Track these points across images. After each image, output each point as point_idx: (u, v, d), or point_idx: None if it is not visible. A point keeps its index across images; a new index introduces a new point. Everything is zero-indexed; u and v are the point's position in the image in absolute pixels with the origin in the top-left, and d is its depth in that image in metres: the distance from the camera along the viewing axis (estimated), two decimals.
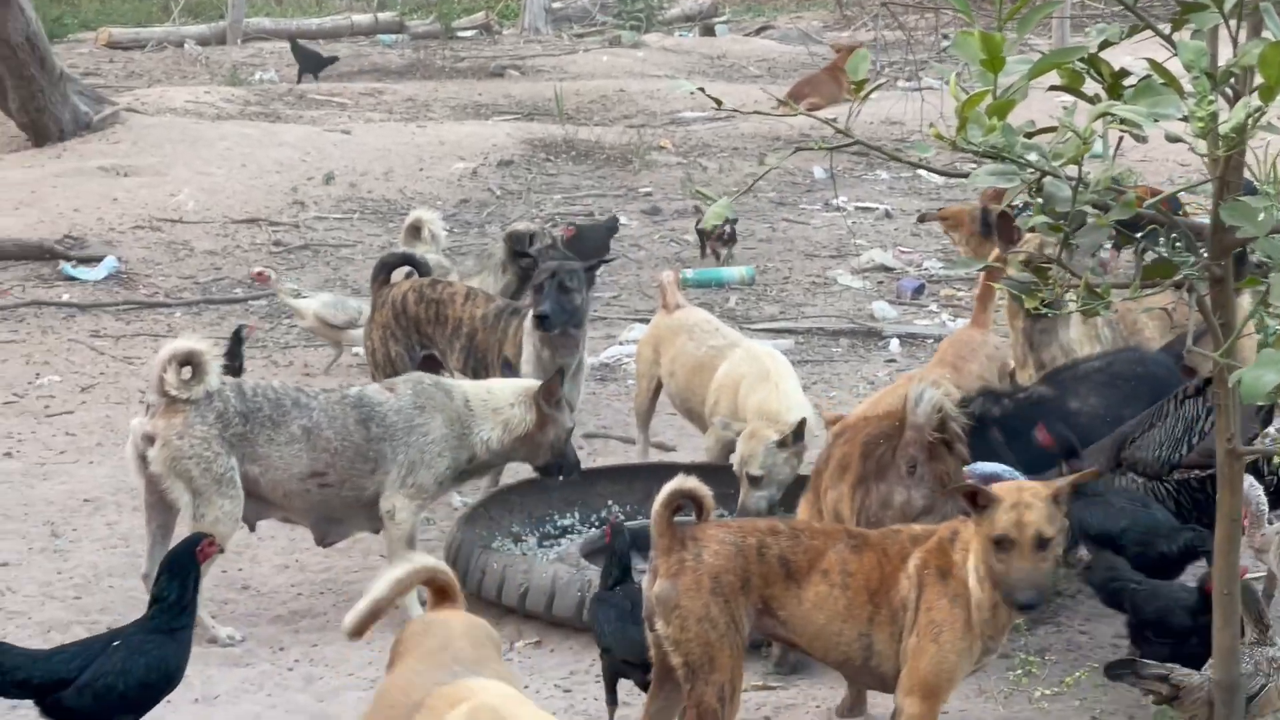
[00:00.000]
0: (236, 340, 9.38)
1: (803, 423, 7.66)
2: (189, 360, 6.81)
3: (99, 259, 12.79)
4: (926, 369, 8.22)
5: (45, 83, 15.60)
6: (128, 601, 6.99)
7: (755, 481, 7.53)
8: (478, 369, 8.51)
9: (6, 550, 7.75)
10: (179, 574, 5.79)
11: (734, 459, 7.65)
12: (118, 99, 17.67)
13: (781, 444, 7.56)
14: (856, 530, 5.55)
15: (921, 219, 13.09)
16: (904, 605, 5.22)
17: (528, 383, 7.46)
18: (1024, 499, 5.07)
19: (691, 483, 5.42)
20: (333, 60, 22.00)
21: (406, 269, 9.20)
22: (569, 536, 7.90)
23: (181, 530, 6.77)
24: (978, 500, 5.11)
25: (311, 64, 21.63)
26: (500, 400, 7.26)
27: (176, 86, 20.41)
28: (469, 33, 27.34)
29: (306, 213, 14.55)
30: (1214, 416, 5.56)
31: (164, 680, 5.66)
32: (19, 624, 6.91)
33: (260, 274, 11.10)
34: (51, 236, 13.15)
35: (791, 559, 5.32)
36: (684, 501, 5.42)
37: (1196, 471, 6.44)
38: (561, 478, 7.48)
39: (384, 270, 8.93)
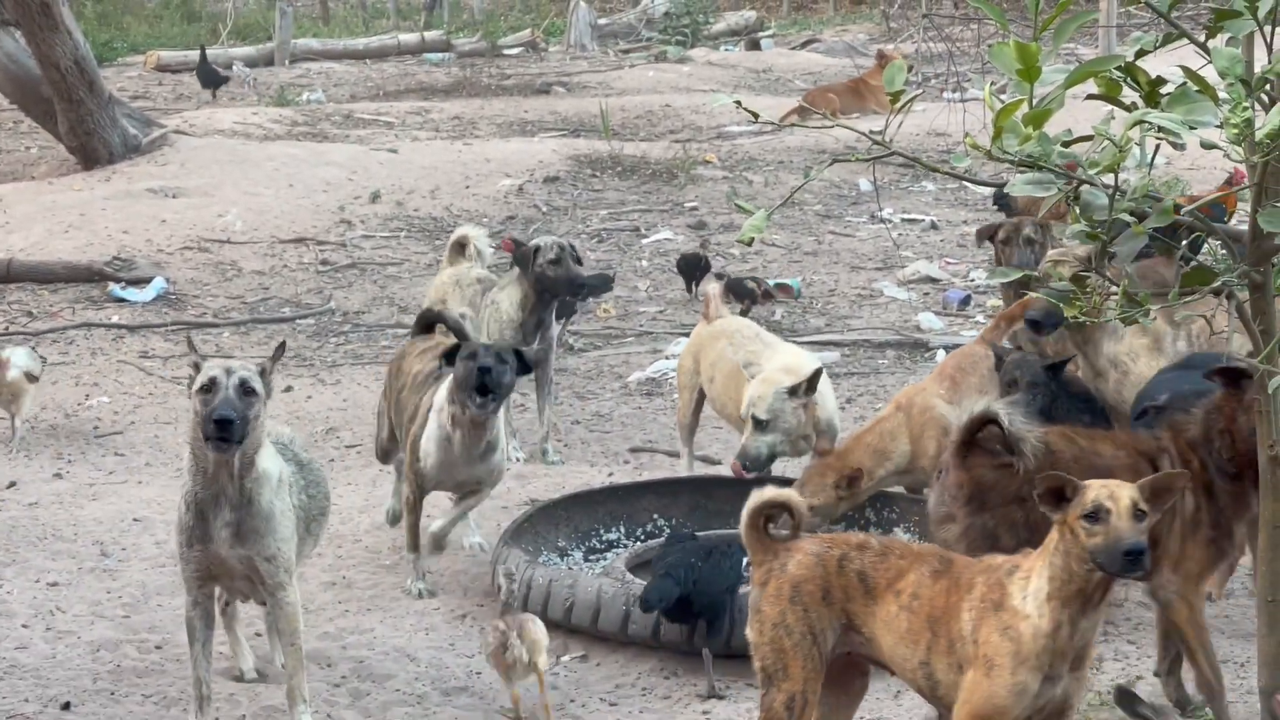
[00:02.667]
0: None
1: (817, 373, 7.92)
2: None
3: (147, 280, 12.89)
4: (926, 382, 8.24)
5: (94, 106, 15.72)
6: (176, 620, 7.01)
7: (760, 425, 7.79)
8: (393, 429, 8.11)
9: (56, 570, 7.81)
10: None
11: (743, 404, 7.78)
12: (166, 121, 17.79)
13: (793, 391, 7.81)
14: (949, 555, 5.37)
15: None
16: (960, 637, 5.09)
17: None
18: (1113, 484, 4.99)
19: (781, 493, 5.41)
20: (225, 80, 21.94)
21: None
22: (614, 550, 7.92)
23: None
24: (1065, 493, 5.00)
25: (210, 80, 21.65)
26: None
27: (224, 108, 20.56)
28: (515, 50, 27.44)
29: (354, 232, 14.63)
30: None
31: None
32: (69, 643, 6.96)
33: None
34: (100, 259, 13.26)
35: (871, 575, 5.22)
36: (775, 512, 5.39)
37: None
38: None
39: (420, 325, 8.52)
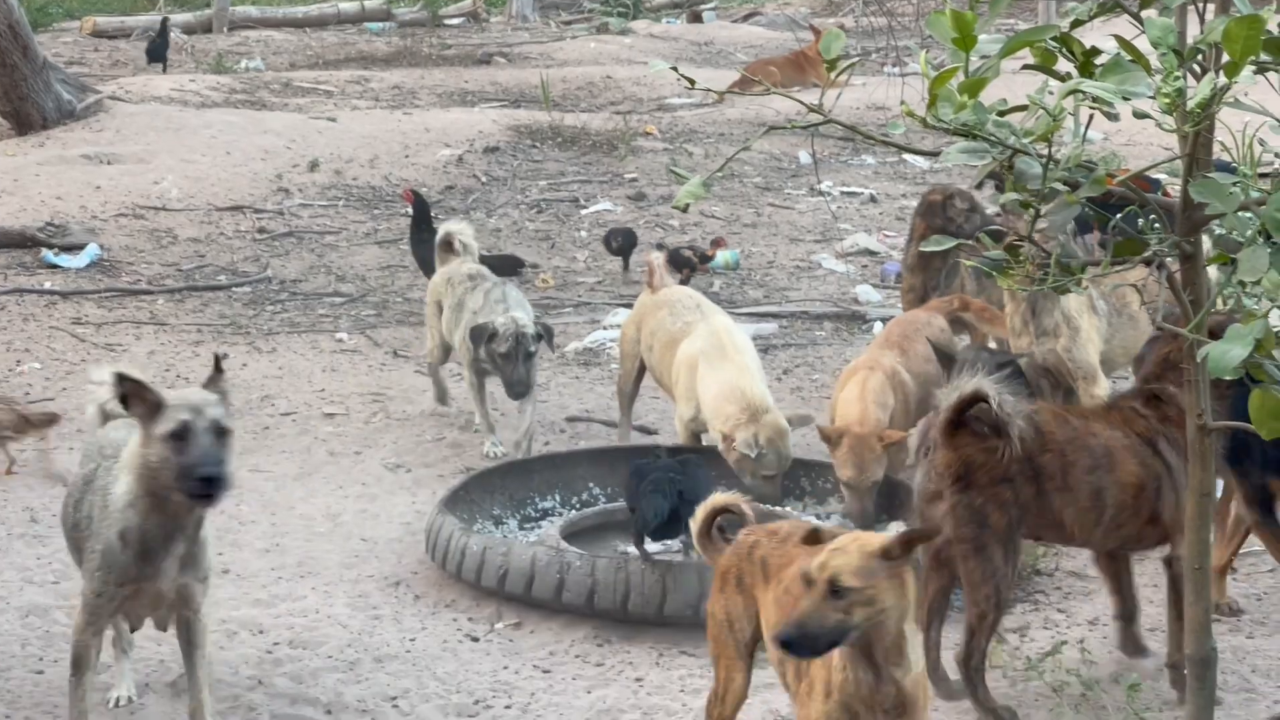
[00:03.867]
0: None
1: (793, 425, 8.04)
2: None
3: (81, 246, 12.78)
4: (871, 349, 8.29)
5: (28, 71, 15.57)
6: None
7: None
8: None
9: None
10: None
11: (763, 465, 7.81)
12: (102, 87, 17.64)
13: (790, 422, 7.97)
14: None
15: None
16: None
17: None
18: (843, 544, 4.49)
19: (722, 499, 5.36)
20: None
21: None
22: (549, 519, 7.92)
23: None
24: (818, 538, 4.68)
25: (155, 55, 21.27)
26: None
27: (161, 75, 20.39)
28: (456, 20, 27.35)
29: (291, 200, 14.54)
30: None
31: None
32: None
33: None
34: (34, 224, 13.13)
35: (770, 561, 5.09)
36: (726, 518, 5.35)
37: None
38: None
39: None
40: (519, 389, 8.74)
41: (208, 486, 5.11)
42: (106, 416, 5.85)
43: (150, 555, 5.33)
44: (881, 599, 4.43)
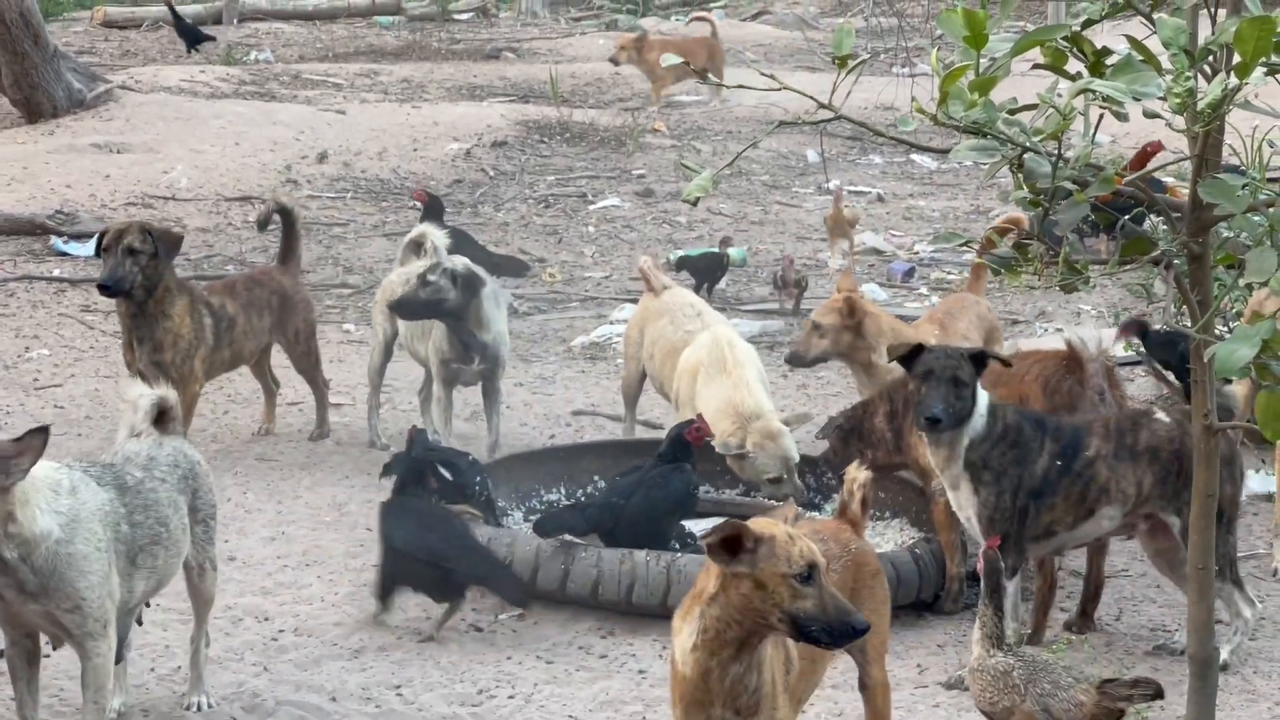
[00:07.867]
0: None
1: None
2: None
3: (90, 234, 12.79)
4: (918, 325, 8.34)
5: (39, 59, 15.62)
6: None
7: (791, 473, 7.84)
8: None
9: None
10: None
11: (761, 468, 7.76)
12: (112, 77, 17.68)
13: (787, 424, 7.92)
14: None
15: None
16: None
17: None
18: (793, 531, 4.37)
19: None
20: (210, 39, 21.66)
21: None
22: None
23: None
24: (743, 541, 4.31)
25: (190, 38, 21.41)
26: None
27: (171, 65, 20.43)
28: (466, 15, 27.36)
29: (300, 191, 14.58)
30: None
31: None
32: None
33: None
34: (43, 212, 13.18)
35: None
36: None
37: None
38: None
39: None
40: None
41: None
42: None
43: None
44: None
